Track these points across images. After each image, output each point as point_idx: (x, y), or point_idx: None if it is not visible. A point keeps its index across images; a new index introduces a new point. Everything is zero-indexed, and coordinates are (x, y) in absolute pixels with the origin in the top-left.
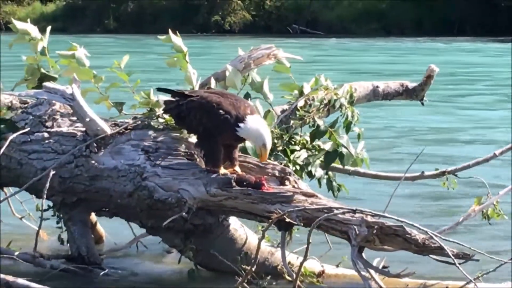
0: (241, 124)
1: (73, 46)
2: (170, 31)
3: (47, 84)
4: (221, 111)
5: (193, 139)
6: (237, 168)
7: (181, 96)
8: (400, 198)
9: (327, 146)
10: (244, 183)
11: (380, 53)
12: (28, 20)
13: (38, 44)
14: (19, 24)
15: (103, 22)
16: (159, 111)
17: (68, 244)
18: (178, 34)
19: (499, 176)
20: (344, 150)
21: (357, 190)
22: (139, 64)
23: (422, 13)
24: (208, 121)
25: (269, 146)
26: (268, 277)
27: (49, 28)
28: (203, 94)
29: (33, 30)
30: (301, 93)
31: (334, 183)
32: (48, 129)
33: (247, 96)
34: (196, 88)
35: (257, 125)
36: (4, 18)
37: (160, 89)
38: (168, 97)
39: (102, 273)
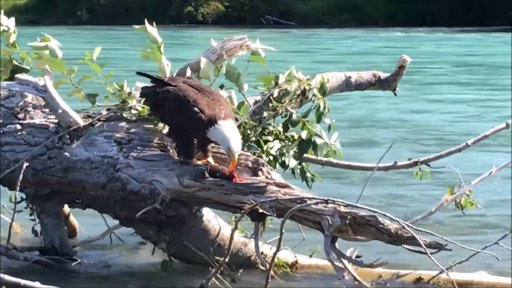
0: (211, 127)
1: (45, 37)
2: (146, 21)
3: (19, 76)
4: (195, 108)
5: (166, 130)
6: (210, 159)
7: (159, 82)
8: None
9: (303, 134)
10: (217, 174)
11: (353, 44)
12: (2, 11)
13: (11, 36)
14: None
15: (75, 14)
16: (132, 102)
17: (41, 236)
18: (154, 25)
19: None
20: (318, 140)
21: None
22: (112, 56)
23: (396, 6)
24: (180, 116)
25: (236, 152)
26: (242, 269)
27: (12, 19)
28: (181, 86)
29: (6, 22)
30: (276, 84)
31: (307, 174)
32: (21, 121)
33: (221, 87)
34: None
35: (227, 130)
36: None
37: (139, 73)
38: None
39: (74, 264)
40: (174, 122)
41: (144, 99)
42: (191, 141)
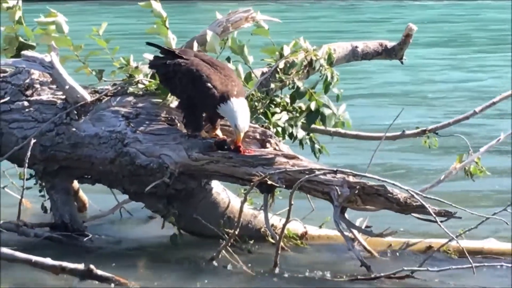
0: (223, 104)
1: (51, 13)
2: None
3: (25, 52)
4: (208, 84)
5: (174, 103)
6: (219, 132)
7: (170, 54)
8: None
9: (312, 105)
10: (225, 147)
11: (358, 14)
12: None
13: (16, 13)
14: None
15: None
16: (139, 77)
17: (51, 212)
18: None
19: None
20: (325, 110)
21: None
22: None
23: None
24: (192, 91)
25: (242, 129)
26: (252, 241)
27: None
28: (194, 60)
29: None
30: (281, 56)
31: (316, 145)
32: (28, 98)
33: (228, 60)
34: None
35: (237, 107)
36: None
37: (150, 44)
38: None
39: (85, 239)
40: (185, 96)
41: (153, 70)
42: (200, 115)
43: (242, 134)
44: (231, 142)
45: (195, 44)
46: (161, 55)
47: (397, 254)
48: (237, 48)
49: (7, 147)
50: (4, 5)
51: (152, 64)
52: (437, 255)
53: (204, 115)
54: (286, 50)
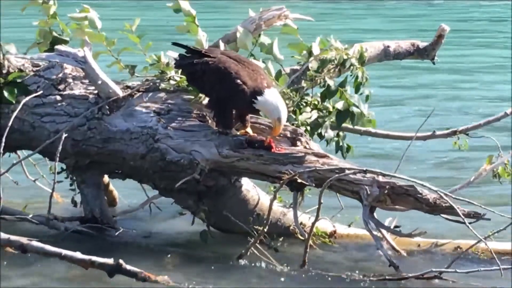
0: (259, 97)
1: (84, 8)
2: None
3: (59, 47)
4: (238, 80)
5: (205, 100)
6: (249, 130)
7: (196, 53)
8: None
9: (339, 105)
10: (256, 145)
11: (390, 12)
12: None
13: (51, 8)
14: None
15: None
16: (170, 73)
17: (82, 206)
18: None
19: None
20: (354, 109)
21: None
22: (151, 26)
23: None
24: (221, 89)
25: (284, 120)
26: (281, 239)
27: None
28: (221, 57)
29: None
30: (310, 54)
31: (343, 144)
32: (61, 92)
33: (252, 56)
34: None
35: (274, 99)
36: None
37: (176, 44)
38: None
39: (117, 233)
40: (214, 94)
41: (180, 70)
42: (230, 112)
43: (282, 126)
44: (261, 139)
45: (221, 44)
46: (186, 54)
47: (426, 254)
48: (267, 46)
49: (39, 140)
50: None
51: (178, 64)
52: (466, 255)
53: (234, 112)
54: (316, 48)
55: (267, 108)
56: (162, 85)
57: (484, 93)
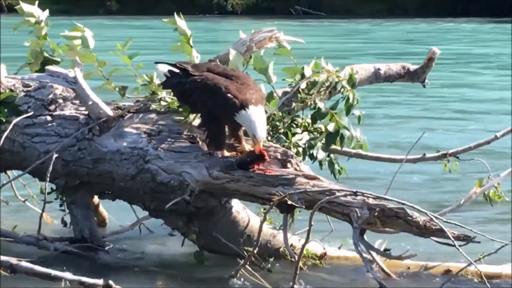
0: (242, 111)
1: (77, 27)
2: (175, 14)
3: (49, 67)
4: (229, 95)
5: (196, 122)
6: (245, 145)
7: (182, 71)
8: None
9: (330, 127)
10: (248, 160)
11: (382, 35)
12: (36, 3)
13: (43, 29)
14: (26, 7)
15: (105, 4)
16: (161, 94)
17: (72, 227)
18: (182, 16)
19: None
20: (345, 132)
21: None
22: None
23: None
24: (213, 103)
25: (260, 138)
26: (271, 259)
27: (46, 12)
28: (208, 74)
29: (40, 14)
30: (302, 76)
31: (336, 166)
32: (51, 112)
33: None
34: None
35: (256, 116)
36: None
37: (159, 63)
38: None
39: (104, 254)
40: (205, 110)
41: (168, 90)
42: (222, 131)
43: (261, 144)
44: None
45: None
46: (173, 71)
47: (416, 277)
48: (262, 66)
49: (29, 161)
50: (32, 19)
51: (166, 85)
52: (456, 278)
53: (226, 129)
54: (308, 71)
55: (246, 124)
56: (153, 106)
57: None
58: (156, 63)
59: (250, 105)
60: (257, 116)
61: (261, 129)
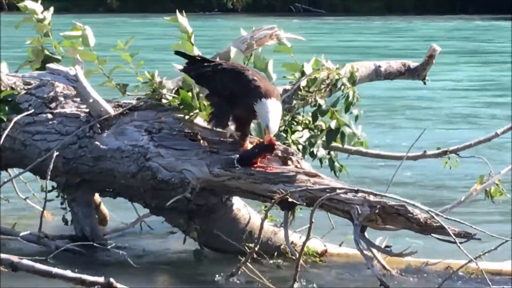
0: (262, 99)
1: (77, 26)
2: (177, 11)
3: (50, 65)
4: (255, 81)
5: (197, 120)
6: (248, 144)
7: (201, 61)
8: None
9: (333, 124)
10: (256, 150)
11: (382, 32)
12: (39, 1)
13: (46, 27)
14: (30, 4)
15: (105, 1)
16: (163, 91)
17: (73, 225)
18: (184, 14)
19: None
20: (346, 129)
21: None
22: (143, 44)
23: None
24: (236, 86)
25: (272, 131)
26: (275, 255)
27: (51, 10)
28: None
29: (44, 12)
30: (302, 73)
31: (336, 163)
32: (52, 110)
33: None
34: None
35: (273, 108)
36: None
37: (178, 53)
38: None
39: (105, 252)
40: (227, 91)
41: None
42: (229, 114)
43: (272, 135)
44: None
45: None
46: (194, 61)
47: (416, 273)
48: (262, 64)
49: (30, 159)
50: (35, 17)
51: (186, 69)
52: (457, 275)
53: (233, 126)
54: (308, 68)
55: (263, 113)
56: (154, 104)
57: None
58: (176, 53)
59: (272, 97)
60: (275, 109)
61: (275, 122)
